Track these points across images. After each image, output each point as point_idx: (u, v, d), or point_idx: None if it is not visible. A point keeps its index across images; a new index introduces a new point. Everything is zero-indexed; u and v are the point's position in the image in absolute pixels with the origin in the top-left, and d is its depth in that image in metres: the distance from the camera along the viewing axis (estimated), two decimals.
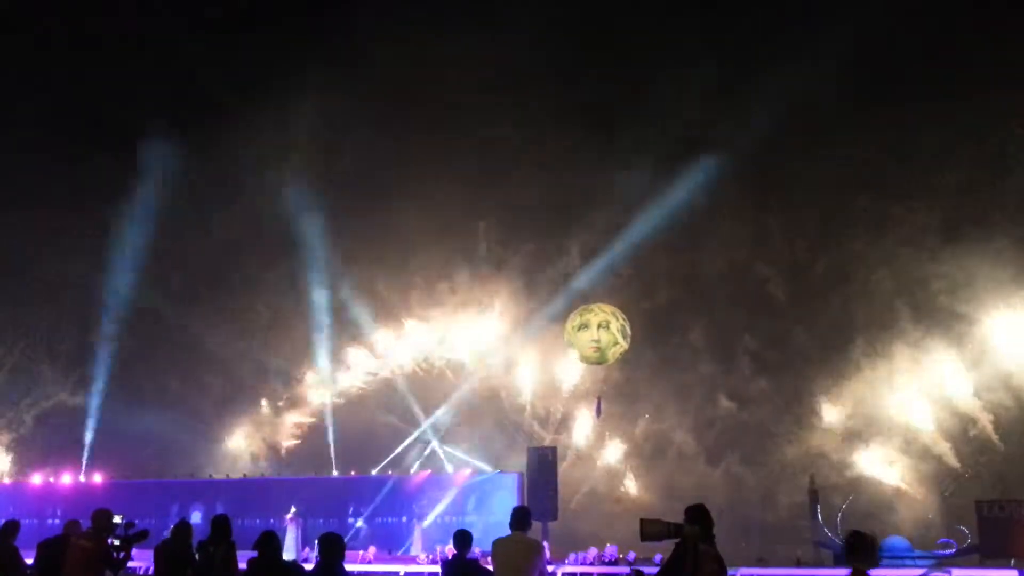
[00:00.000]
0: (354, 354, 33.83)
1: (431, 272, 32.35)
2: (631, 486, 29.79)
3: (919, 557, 21.40)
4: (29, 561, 9.74)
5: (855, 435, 27.63)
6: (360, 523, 28.59)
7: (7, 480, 34.53)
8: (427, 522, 27.14)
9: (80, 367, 34.25)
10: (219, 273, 34.09)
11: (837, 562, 21.45)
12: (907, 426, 26.78)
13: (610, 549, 22.22)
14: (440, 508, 27.94)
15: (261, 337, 33.71)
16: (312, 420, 34.40)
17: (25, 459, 34.87)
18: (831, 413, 28.11)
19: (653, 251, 29.69)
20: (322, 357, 33.58)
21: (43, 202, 33.64)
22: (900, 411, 26.90)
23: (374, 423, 31.99)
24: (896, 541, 22.01)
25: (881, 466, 27.02)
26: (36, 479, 32.71)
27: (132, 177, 32.30)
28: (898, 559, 20.99)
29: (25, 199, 33.57)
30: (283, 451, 34.52)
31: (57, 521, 10.36)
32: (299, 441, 34.40)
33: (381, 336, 33.38)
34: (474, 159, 31.98)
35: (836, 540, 22.49)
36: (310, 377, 34.24)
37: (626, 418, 30.22)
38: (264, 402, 34.50)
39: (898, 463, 26.87)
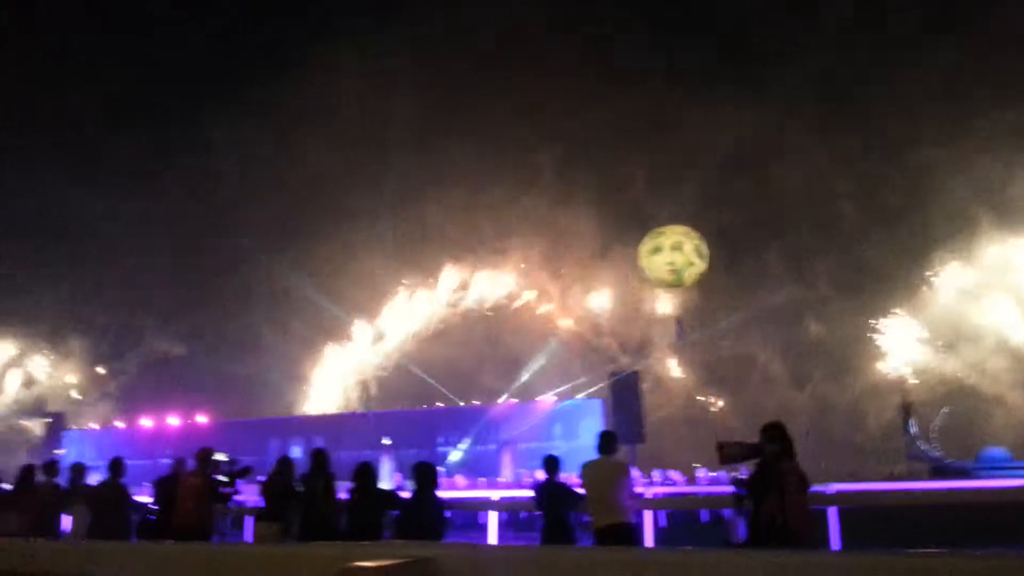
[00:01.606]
0: (435, 290, 34.43)
1: (500, 207, 32.34)
2: (713, 409, 29.72)
3: (1020, 467, 20.74)
4: (145, 499, 10.42)
5: (946, 346, 26.79)
6: (451, 452, 29.48)
7: (120, 424, 36.84)
8: (515, 449, 27.77)
9: (179, 319, 36.04)
10: (298, 219, 35.05)
11: (933, 475, 21.04)
12: (997, 332, 25.79)
13: (703, 471, 22.42)
14: (527, 435, 28.51)
15: (343, 279, 34.49)
16: (399, 355, 35.30)
17: (135, 405, 37.09)
18: (917, 326, 27.29)
19: (725, 173, 28.98)
20: (403, 294, 34.45)
21: (119, 167, 35.23)
22: (989, 317, 25.92)
23: (458, 356, 32.56)
24: (995, 452, 21.37)
25: (975, 375, 26.16)
26: (147, 422, 34.82)
27: (218, 132, 33.62)
28: (998, 469, 20.38)
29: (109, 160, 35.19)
30: (373, 386, 35.61)
31: (168, 460, 10.95)
32: (386, 377, 35.39)
33: (459, 271, 33.85)
34: (537, 89, 31.54)
35: (931, 453, 22.04)
36: (394, 314, 34.97)
37: (707, 341, 29.97)
38: (351, 340, 35.45)
39: (992, 370, 25.94)
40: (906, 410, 24.50)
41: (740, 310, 29.23)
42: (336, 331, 35.34)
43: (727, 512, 7.75)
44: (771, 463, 5.79)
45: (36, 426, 36.47)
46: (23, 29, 35.79)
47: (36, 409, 37.61)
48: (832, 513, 9.44)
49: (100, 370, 37.77)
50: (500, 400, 31.05)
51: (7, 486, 9.61)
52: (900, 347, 27.65)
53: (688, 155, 29.07)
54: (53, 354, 37.71)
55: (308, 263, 33.97)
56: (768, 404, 26.42)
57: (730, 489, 6.61)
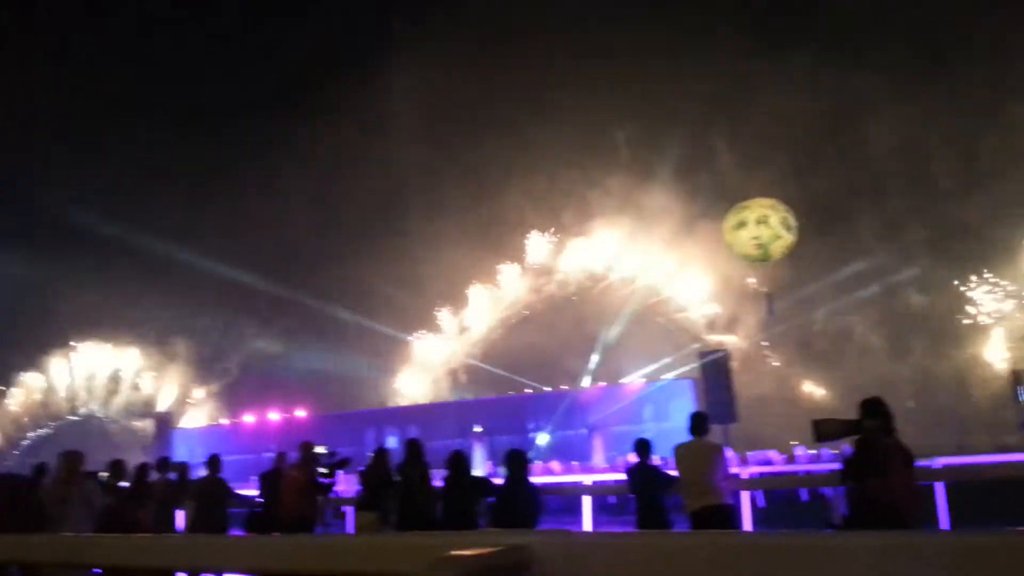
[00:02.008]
0: (517, 274, 34.59)
1: (583, 189, 32.15)
2: (807, 386, 28.89)
3: None
4: (250, 492, 10.86)
5: None
6: (540, 438, 29.61)
7: (225, 421, 38.48)
8: (605, 432, 27.70)
9: (275, 319, 37.40)
10: (384, 214, 35.78)
11: None
12: None
13: (801, 449, 21.86)
14: (617, 418, 28.38)
15: (429, 271, 35.00)
16: (485, 342, 35.63)
17: (238, 403, 38.68)
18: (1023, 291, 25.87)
19: (813, 138, 28.01)
20: (487, 280, 34.77)
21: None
22: None
23: (545, 341, 32.62)
24: None
25: None
26: (249, 419, 36.25)
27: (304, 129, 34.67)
28: None
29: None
30: (462, 375, 36.06)
31: (270, 454, 11.38)
32: (474, 366, 35.78)
33: (541, 254, 33.88)
34: (615, 65, 31.19)
35: None
36: (479, 302, 35.29)
37: (799, 315, 29.13)
38: (439, 330, 35.96)
39: None
40: (1016, 378, 23.22)
41: (834, 282, 28.26)
42: (424, 323, 35.93)
43: (827, 491, 7.54)
44: (872, 439, 5.58)
45: (147, 426, 38.47)
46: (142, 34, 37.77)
47: (146, 410, 39.69)
48: (939, 489, 9.06)
49: (204, 371, 39.56)
50: (588, 384, 30.99)
51: (124, 483, 10.16)
52: (1005, 313, 26.27)
53: (775, 124, 28.23)
54: (161, 358, 39.67)
55: (395, 257, 34.63)
56: (866, 379, 25.46)
57: (828, 467, 6.42)
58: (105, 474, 10.09)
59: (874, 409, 5.66)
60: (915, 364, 27.31)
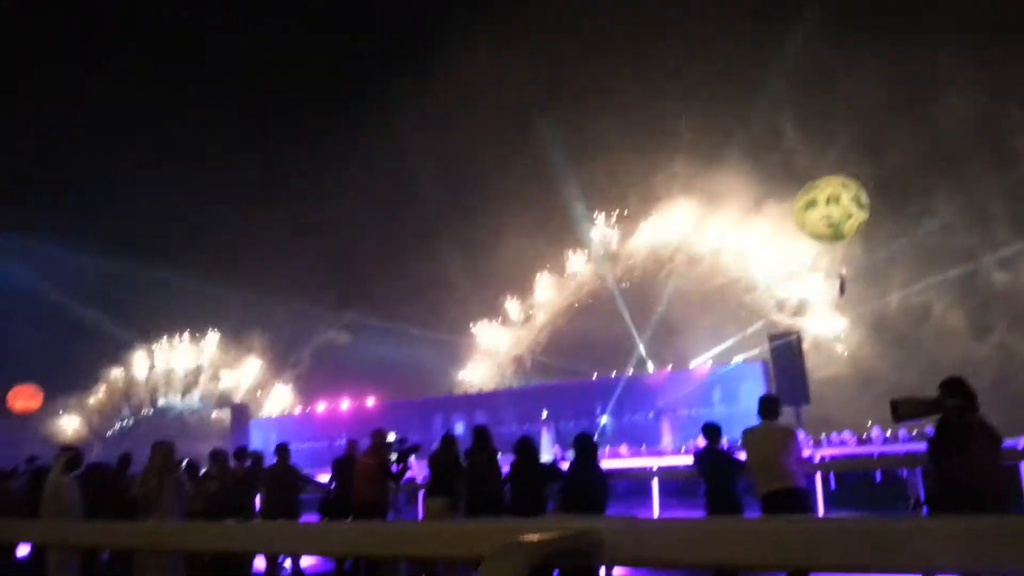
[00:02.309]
0: (583, 260, 34.49)
1: (646, 170, 31.77)
2: (881, 367, 28.03)
3: None
4: (324, 478, 11.15)
5: None
6: (606, 420, 29.56)
7: (297, 410, 39.50)
8: (673, 416, 27.48)
9: (344, 311, 38.22)
10: (450, 203, 36.12)
11: None
12: None
13: (876, 430, 21.36)
14: (685, 402, 28.13)
15: (494, 258, 35.16)
16: (550, 330, 35.67)
17: (310, 392, 39.66)
18: None
19: (881, 110, 27.08)
20: (553, 267, 34.79)
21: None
22: None
23: (610, 326, 32.46)
24: None
25: None
26: (321, 407, 37.14)
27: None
28: None
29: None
30: (528, 362, 36.19)
31: (343, 442, 11.64)
32: (539, 351, 35.86)
33: (607, 239, 33.71)
34: (679, 47, 30.70)
35: None
36: (545, 285, 35.30)
37: (872, 295, 28.28)
38: (505, 317, 36.13)
39: None
40: None
41: (909, 259, 27.33)
42: (490, 311, 36.15)
43: (903, 472, 7.33)
44: (954, 418, 5.39)
45: (224, 416, 39.76)
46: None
47: (223, 401, 41.03)
48: None
49: (278, 363, 40.67)
50: (655, 368, 30.75)
51: (204, 471, 10.54)
52: None
53: (846, 98, 27.39)
54: (238, 351, 40.93)
55: (460, 247, 34.92)
56: (945, 359, 24.62)
57: (904, 449, 6.25)
58: (187, 464, 10.48)
59: (955, 388, 5.47)
60: (997, 343, 26.28)
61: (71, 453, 8.00)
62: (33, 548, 9.70)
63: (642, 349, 31.50)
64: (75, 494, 7.59)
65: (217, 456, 10.00)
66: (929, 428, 5.72)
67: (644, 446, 25.20)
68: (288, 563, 10.33)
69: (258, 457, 11.05)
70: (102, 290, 38.25)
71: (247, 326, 39.91)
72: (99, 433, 40.81)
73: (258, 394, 40.66)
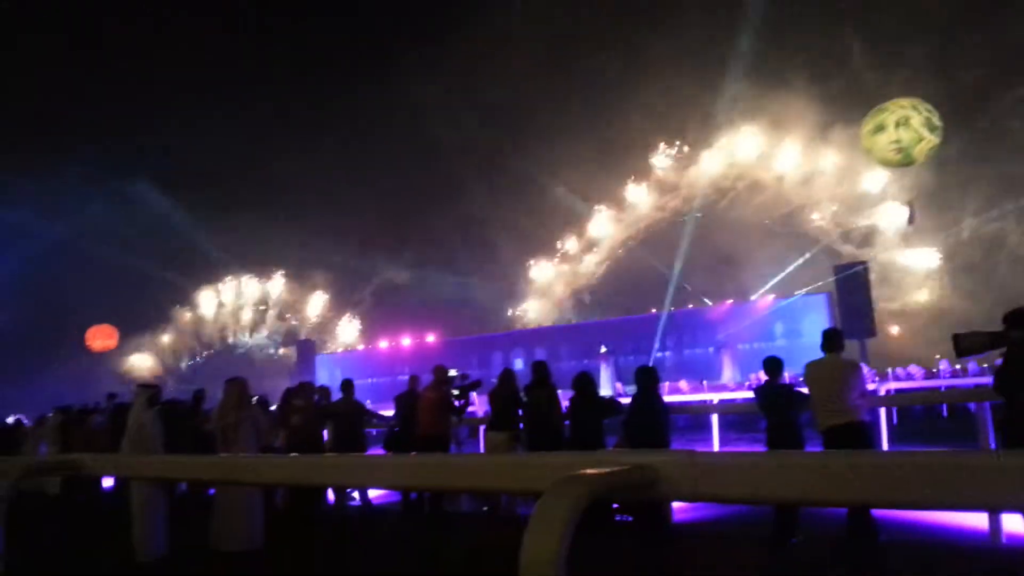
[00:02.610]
0: (639, 194, 33.96)
1: (706, 97, 30.80)
2: (953, 298, 27.17)
3: None
4: (387, 413, 11.43)
5: None
6: (665, 354, 29.50)
7: (360, 347, 40.42)
8: (734, 350, 27.26)
9: (405, 250, 38.70)
10: (497, 150, 35.90)
11: None
12: None
13: (944, 364, 20.91)
14: (747, 336, 27.85)
15: (550, 195, 34.91)
16: (609, 264, 35.46)
17: (373, 329, 40.49)
18: None
19: (950, 28, 25.67)
20: (612, 201, 34.40)
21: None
22: None
23: (668, 261, 32.10)
24: None
25: None
26: (383, 344, 37.93)
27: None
28: None
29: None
30: (586, 297, 36.16)
31: (405, 377, 11.88)
32: (598, 286, 35.75)
33: (666, 169, 33.06)
34: None
35: None
36: (603, 220, 34.92)
37: (943, 223, 27.28)
38: (563, 253, 35.98)
39: None
40: None
41: (982, 185, 26.17)
42: (548, 247, 36.08)
43: (972, 406, 7.16)
44: (1020, 350, 5.20)
45: (290, 353, 40.95)
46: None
47: (290, 338, 42.20)
48: None
49: (342, 301, 41.55)
50: (716, 301, 30.41)
51: (273, 407, 10.90)
52: None
53: (913, 15, 26.00)
54: (302, 289, 41.90)
55: (518, 182, 34.75)
56: (1018, 291, 23.78)
57: (973, 382, 6.08)
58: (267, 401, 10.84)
59: (1020, 319, 5.26)
60: None
61: (152, 390, 8.32)
62: (117, 480, 10.24)
63: (704, 282, 31.08)
64: (158, 429, 7.92)
65: (304, 388, 10.21)
66: (999, 361, 5.53)
67: (704, 381, 25.15)
68: (356, 494, 10.69)
69: (325, 392, 11.35)
70: (173, 233, 39.40)
71: (310, 266, 40.75)
72: (171, 370, 42.49)
73: (323, 332, 41.70)
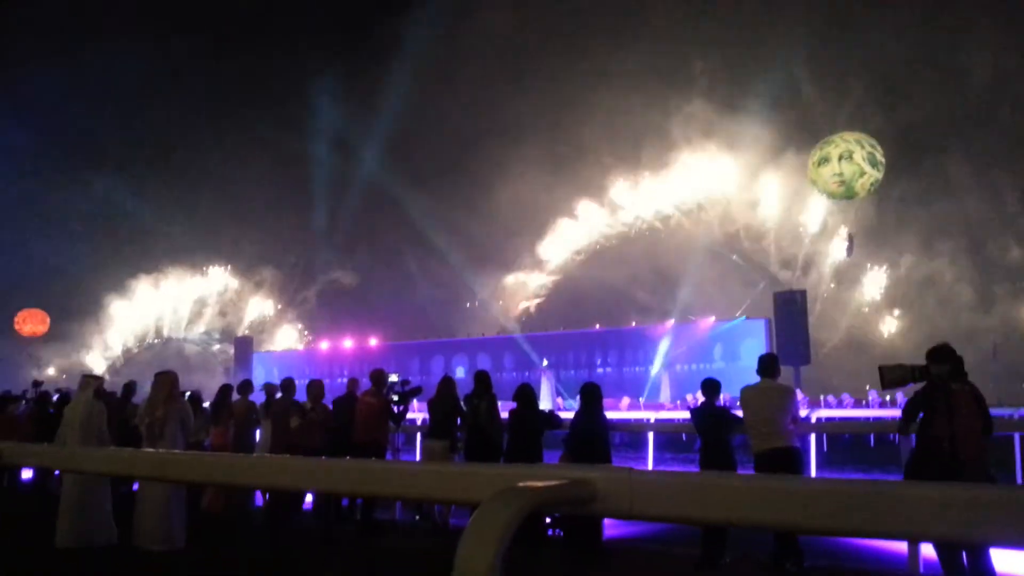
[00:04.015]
0: (589, 210, 34.27)
1: (654, 120, 31.29)
2: (886, 331, 28.05)
3: None
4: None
5: None
6: (606, 373, 29.69)
7: (300, 347, 39.83)
8: (673, 370, 27.56)
9: (350, 252, 38.30)
10: (451, 159, 35.88)
11: None
12: None
13: (873, 394, 21.49)
14: (687, 356, 28.22)
15: (504, 206, 34.98)
16: (556, 278, 35.68)
17: (313, 329, 39.95)
18: None
19: (901, 69, 26.62)
20: (563, 215, 34.63)
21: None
22: None
23: (614, 278, 32.45)
24: None
25: None
26: (324, 345, 37.44)
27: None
28: None
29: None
30: (531, 309, 36.30)
31: (343, 380, 11.64)
32: (544, 299, 35.93)
33: (616, 190, 33.47)
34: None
35: None
36: (550, 238, 35.21)
37: (879, 258, 28.15)
38: (512, 265, 36.11)
39: None
40: None
41: (919, 224, 27.11)
42: (497, 257, 36.15)
43: (895, 437, 7.38)
44: (939, 385, 5.43)
45: (225, 349, 40.15)
46: None
47: (227, 334, 41.35)
48: (1019, 439, 8.80)
49: (284, 300, 40.91)
50: (659, 321, 30.78)
51: (207, 404, 10.64)
52: None
53: (866, 54, 26.86)
54: (244, 286, 41.13)
55: (470, 192, 34.73)
56: (948, 327, 24.64)
57: (899, 414, 6.29)
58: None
59: (942, 355, 5.49)
60: (1002, 314, 26.27)
61: (100, 381, 8.16)
62: (36, 472, 9.88)
63: (646, 302, 31.47)
64: (104, 420, 7.76)
65: (314, 387, 9.73)
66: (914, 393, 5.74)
67: (642, 399, 25.38)
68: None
69: (272, 389, 11.08)
70: (115, 221, 38.37)
71: (255, 263, 40.06)
72: (103, 361, 41.16)
73: (262, 330, 40.97)
